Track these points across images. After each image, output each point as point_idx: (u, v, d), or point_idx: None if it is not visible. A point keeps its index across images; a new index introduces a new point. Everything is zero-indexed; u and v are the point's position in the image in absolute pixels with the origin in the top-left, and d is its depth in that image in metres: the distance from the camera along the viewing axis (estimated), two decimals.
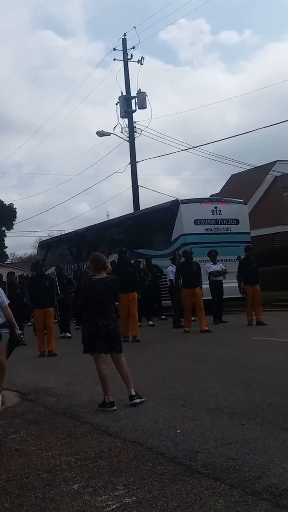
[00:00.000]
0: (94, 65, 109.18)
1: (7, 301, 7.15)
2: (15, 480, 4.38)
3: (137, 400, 6.40)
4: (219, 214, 18.64)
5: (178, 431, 5.22)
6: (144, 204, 26.87)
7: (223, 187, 40.09)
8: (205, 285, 14.96)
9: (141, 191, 27.68)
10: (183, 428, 5.29)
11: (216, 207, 18.73)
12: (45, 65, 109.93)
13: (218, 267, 15.44)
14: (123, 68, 27.82)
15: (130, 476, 4.24)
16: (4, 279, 17.51)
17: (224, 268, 15.60)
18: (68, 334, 14.88)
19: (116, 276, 7.20)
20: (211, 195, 30.99)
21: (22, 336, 7.41)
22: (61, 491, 4.06)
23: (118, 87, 30.80)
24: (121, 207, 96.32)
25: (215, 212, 18.60)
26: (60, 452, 4.97)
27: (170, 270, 15.87)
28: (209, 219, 18.47)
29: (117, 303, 11.81)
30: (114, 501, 3.81)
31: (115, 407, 6.28)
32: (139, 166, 27.56)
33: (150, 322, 16.24)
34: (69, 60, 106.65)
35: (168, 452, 4.67)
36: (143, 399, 6.49)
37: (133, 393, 6.47)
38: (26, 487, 4.22)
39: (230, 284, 16.72)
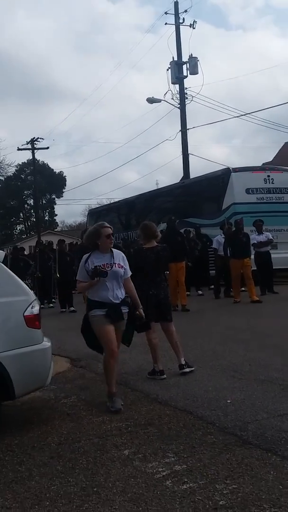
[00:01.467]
0: (143, 30, 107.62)
1: (129, 273, 5.63)
2: (67, 444, 4.46)
3: (187, 369, 6.40)
4: (272, 183, 18.19)
5: (228, 401, 5.19)
6: (194, 173, 26.60)
7: (276, 155, 39.19)
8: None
9: (191, 159, 27.35)
10: (234, 398, 5.26)
11: (268, 176, 18.27)
12: (93, 31, 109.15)
13: (263, 237, 15.07)
14: (174, 32, 27.27)
15: (180, 444, 4.25)
16: (55, 246, 17.78)
17: (270, 238, 15.24)
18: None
19: (165, 245, 7.13)
20: (264, 164, 30.29)
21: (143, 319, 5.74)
22: (112, 456, 4.11)
23: (167, 53, 30.62)
24: (170, 176, 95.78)
25: (267, 181, 18.15)
26: (111, 418, 5.03)
27: (216, 240, 15.67)
28: (261, 188, 18.06)
29: (167, 272, 11.77)
30: (164, 468, 3.83)
31: (164, 376, 6.29)
32: (189, 134, 27.21)
33: (200, 292, 16.17)
34: (117, 25, 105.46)
35: (219, 421, 4.65)
36: (193, 368, 6.48)
37: (183, 362, 6.46)
38: (78, 451, 4.29)
39: (282, 255, 16.42)
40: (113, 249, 5.54)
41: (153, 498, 3.39)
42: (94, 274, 5.29)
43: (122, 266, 5.47)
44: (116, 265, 5.41)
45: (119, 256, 5.55)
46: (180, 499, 3.35)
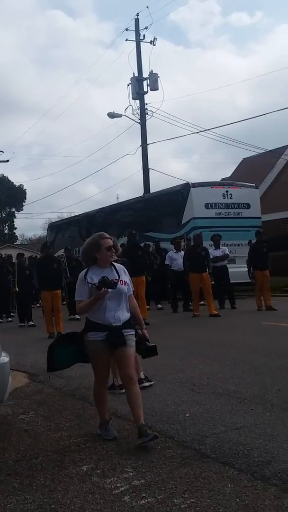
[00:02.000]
0: (103, 46, 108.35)
1: (132, 289, 4.94)
2: (24, 460, 4.40)
3: (146, 384, 6.40)
4: (230, 198, 18.52)
5: (187, 415, 5.22)
6: (153, 187, 26.80)
7: (234, 171, 39.77)
8: None
9: (151, 174, 27.55)
10: (192, 412, 5.29)
11: (227, 191, 18.60)
12: (54, 46, 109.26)
13: (219, 252, 15.33)
14: (135, 49, 27.57)
15: (139, 458, 4.24)
16: (14, 260, 17.60)
17: (226, 253, 15.48)
18: (77, 316, 14.87)
19: (126, 259, 7.16)
20: (222, 179, 30.77)
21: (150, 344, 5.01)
22: (70, 472, 4.08)
23: (128, 69, 30.66)
24: (130, 190, 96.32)
25: (226, 196, 18.47)
26: (69, 434, 4.99)
27: (168, 256, 15.83)
28: (220, 203, 18.36)
29: None
30: (123, 483, 3.82)
31: (123, 390, 6.25)
32: (149, 149, 27.43)
33: (159, 306, 16.25)
34: (78, 40, 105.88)
35: (177, 435, 4.67)
36: (152, 382, 6.49)
37: (142, 376, 6.46)
38: (36, 467, 4.24)
39: (240, 269, 16.66)
40: (114, 263, 4.83)
41: None
42: (101, 284, 4.47)
43: (125, 283, 4.74)
44: (121, 282, 4.66)
45: (122, 271, 4.81)
46: None
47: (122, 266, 4.88)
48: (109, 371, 4.97)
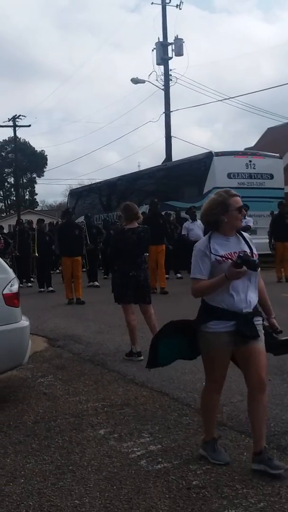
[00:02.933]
0: (127, 9, 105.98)
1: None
2: (42, 423, 4.48)
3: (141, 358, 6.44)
4: (253, 168, 18.26)
5: (204, 383, 5.23)
6: (175, 156, 26.52)
7: (258, 141, 39.18)
8: None
9: (173, 142, 27.25)
10: None
11: (250, 161, 18.33)
12: (75, 9, 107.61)
13: (243, 222, 15.12)
14: (160, 13, 26.97)
15: (155, 424, 4.29)
16: (34, 226, 17.67)
17: (249, 224, 15.26)
18: (96, 283, 15.00)
19: (147, 226, 7.12)
20: (246, 149, 30.34)
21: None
22: (88, 436, 4.14)
23: (151, 34, 30.33)
24: (151, 158, 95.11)
25: (249, 166, 18.21)
26: (87, 398, 5.05)
27: (184, 226, 15.68)
28: (243, 173, 18.13)
29: (147, 254, 11.77)
30: (139, 447, 3.87)
31: (142, 357, 6.32)
32: (171, 116, 27.08)
33: (178, 275, 16.24)
34: (100, 3, 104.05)
35: (194, 403, 4.70)
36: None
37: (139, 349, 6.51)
38: (54, 429, 4.31)
39: (261, 240, 16.49)
40: (241, 232, 3.74)
41: (128, 477, 3.43)
42: (243, 262, 3.35)
43: (256, 256, 3.58)
44: (254, 255, 3.54)
45: (250, 241, 3.71)
46: (154, 478, 3.39)
47: (248, 235, 3.77)
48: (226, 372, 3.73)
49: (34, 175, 71.49)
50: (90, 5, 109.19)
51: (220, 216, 3.54)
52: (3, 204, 75.56)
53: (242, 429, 4.08)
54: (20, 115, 43.58)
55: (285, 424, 4.11)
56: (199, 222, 15.05)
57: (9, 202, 74.06)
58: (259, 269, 3.52)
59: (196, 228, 15.02)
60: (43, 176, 70.02)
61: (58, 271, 18.54)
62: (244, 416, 4.32)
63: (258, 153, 20.18)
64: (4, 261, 5.57)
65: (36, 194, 74.57)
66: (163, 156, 27.20)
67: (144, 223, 7.45)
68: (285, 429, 4.03)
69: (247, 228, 15.20)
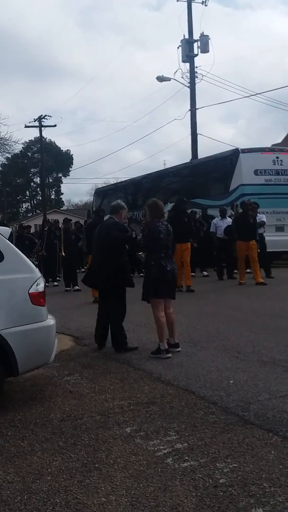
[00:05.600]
0: (149, 8, 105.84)
1: None
2: (69, 421, 4.49)
3: (177, 350, 6.50)
4: (281, 164, 18.03)
5: (231, 381, 5.20)
6: (200, 153, 26.37)
7: (286, 137, 38.80)
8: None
9: (198, 139, 27.10)
10: (236, 379, 5.27)
11: (277, 157, 18.11)
12: (97, 8, 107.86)
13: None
14: (184, 10, 26.82)
15: (182, 423, 4.27)
16: (60, 225, 17.78)
17: (262, 220, 15.03)
18: None
19: (172, 225, 7.08)
20: (273, 145, 30.04)
21: None
22: (114, 434, 4.14)
23: (172, 32, 30.46)
24: (176, 156, 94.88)
25: (276, 163, 18.00)
26: (113, 396, 5.05)
27: (213, 223, 15.57)
28: (270, 170, 17.92)
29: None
30: (165, 446, 3.85)
31: (170, 355, 6.30)
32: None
33: (205, 273, 16.16)
34: (122, 2, 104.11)
35: (221, 401, 4.67)
36: (179, 349, 6.56)
37: (177, 341, 6.57)
38: (80, 427, 4.32)
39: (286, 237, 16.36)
40: None
41: (154, 475, 3.41)
42: None
43: None
44: None
45: None
46: (181, 476, 3.37)
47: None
48: None
49: (60, 175, 72.08)
50: (112, 5, 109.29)
51: None
52: (30, 204, 76.29)
53: (269, 428, 4.03)
54: (45, 115, 43.97)
55: None
56: (228, 219, 14.97)
57: (35, 202, 74.75)
58: None
59: (224, 225, 14.93)
60: (68, 175, 70.56)
61: (83, 270, 18.61)
62: (271, 414, 4.28)
63: (285, 149, 19.92)
64: (31, 260, 5.61)
65: (62, 193, 75.24)
66: (188, 154, 27.14)
67: (169, 221, 7.41)
68: None
69: (262, 224, 15.07)
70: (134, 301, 6.93)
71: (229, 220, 14.99)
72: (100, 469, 3.54)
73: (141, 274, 16.48)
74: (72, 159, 70.07)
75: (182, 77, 26.89)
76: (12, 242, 5.37)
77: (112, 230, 6.84)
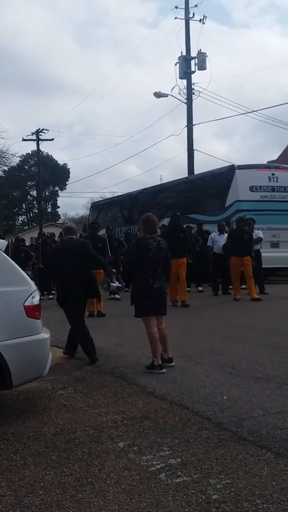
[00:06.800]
0: (144, 26, 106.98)
1: None
2: (62, 435, 4.48)
3: (170, 364, 6.50)
4: (276, 181, 18.17)
5: (224, 397, 5.20)
6: (196, 169, 26.54)
7: (281, 154, 39.07)
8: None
9: (194, 155, 27.27)
10: (230, 394, 5.27)
11: (273, 174, 18.25)
12: (94, 24, 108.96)
13: (253, 235, 15.04)
14: (182, 27, 27.26)
15: (175, 438, 4.26)
16: (56, 238, 17.80)
17: (259, 236, 15.15)
18: (117, 296, 15.02)
19: (167, 240, 7.10)
20: (269, 162, 30.26)
21: None
22: (107, 448, 4.13)
23: (170, 50, 31.34)
24: (172, 172, 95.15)
25: (272, 179, 18.13)
26: (107, 410, 5.04)
27: (210, 237, 15.62)
28: (265, 186, 18.06)
29: None
30: (159, 461, 3.84)
31: (164, 370, 6.29)
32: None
33: (200, 288, 16.18)
34: (120, 19, 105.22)
35: (214, 417, 4.66)
36: (173, 364, 6.56)
37: (170, 356, 6.56)
38: (73, 441, 4.30)
39: (284, 254, 16.43)
40: None
41: (147, 490, 3.40)
42: None
43: None
44: None
45: None
46: (174, 492, 3.36)
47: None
48: None
49: (57, 188, 72.20)
50: (109, 21, 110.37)
51: None
52: (26, 216, 76.33)
53: (263, 444, 4.03)
54: (43, 129, 44.25)
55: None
56: (226, 235, 15.02)
57: (31, 215, 74.80)
58: None
59: (222, 240, 14.98)
60: (65, 189, 70.67)
61: None
62: (265, 430, 4.28)
63: (281, 166, 20.09)
64: (26, 273, 5.61)
65: (58, 207, 75.25)
66: (184, 169, 27.27)
67: (164, 236, 7.44)
68: None
69: (259, 240, 15.15)
70: (128, 315, 6.92)
71: (226, 236, 15.05)
72: (92, 484, 3.53)
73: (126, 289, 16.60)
74: (69, 173, 70.32)
75: (179, 94, 27.24)
76: (8, 255, 5.39)
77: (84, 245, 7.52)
